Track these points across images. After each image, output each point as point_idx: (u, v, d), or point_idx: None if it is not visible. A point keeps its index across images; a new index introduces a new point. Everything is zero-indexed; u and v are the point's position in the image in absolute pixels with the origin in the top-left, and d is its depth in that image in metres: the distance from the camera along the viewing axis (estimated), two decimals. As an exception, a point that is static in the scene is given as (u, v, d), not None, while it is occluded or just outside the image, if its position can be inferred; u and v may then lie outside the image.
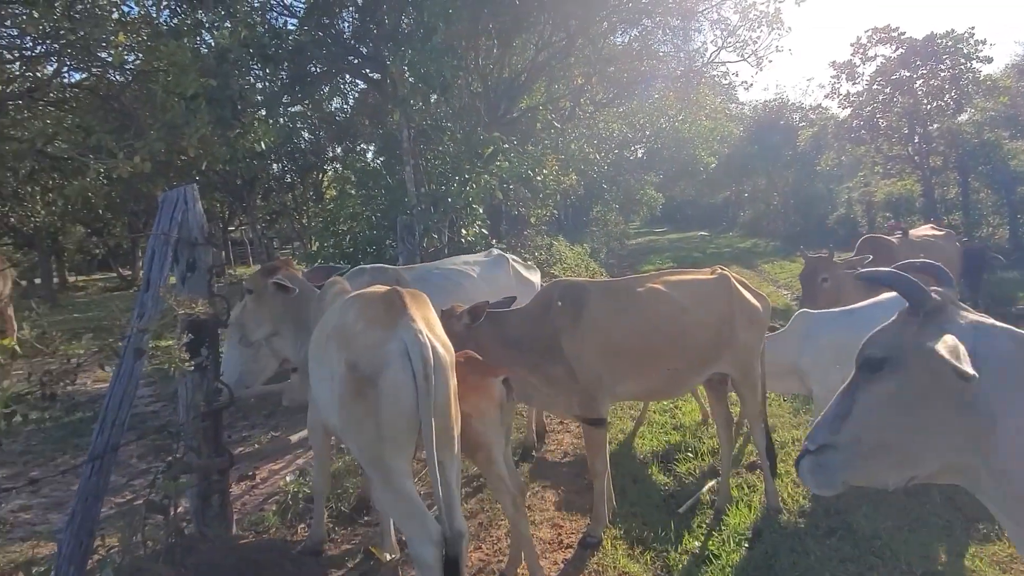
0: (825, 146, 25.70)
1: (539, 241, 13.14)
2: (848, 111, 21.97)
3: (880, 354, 1.78)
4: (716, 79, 21.53)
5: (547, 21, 12.50)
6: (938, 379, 1.63)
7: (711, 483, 4.80)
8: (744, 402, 4.48)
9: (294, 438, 4.76)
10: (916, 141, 19.52)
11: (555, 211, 15.78)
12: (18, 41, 9.36)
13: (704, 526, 4.24)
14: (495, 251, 6.27)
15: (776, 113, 28.93)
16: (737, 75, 29.35)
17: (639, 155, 27.84)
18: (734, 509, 4.35)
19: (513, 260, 6.13)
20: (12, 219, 16.37)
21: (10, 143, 8.85)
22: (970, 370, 1.50)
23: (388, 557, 3.81)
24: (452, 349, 3.08)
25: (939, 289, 1.82)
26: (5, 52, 9.68)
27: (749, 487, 4.73)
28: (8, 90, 10.13)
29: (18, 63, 9.96)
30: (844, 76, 21.25)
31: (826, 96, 27.59)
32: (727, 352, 4.21)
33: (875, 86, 20.33)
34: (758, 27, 16.85)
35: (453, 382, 3.01)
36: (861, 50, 20.47)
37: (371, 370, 2.78)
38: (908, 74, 19.14)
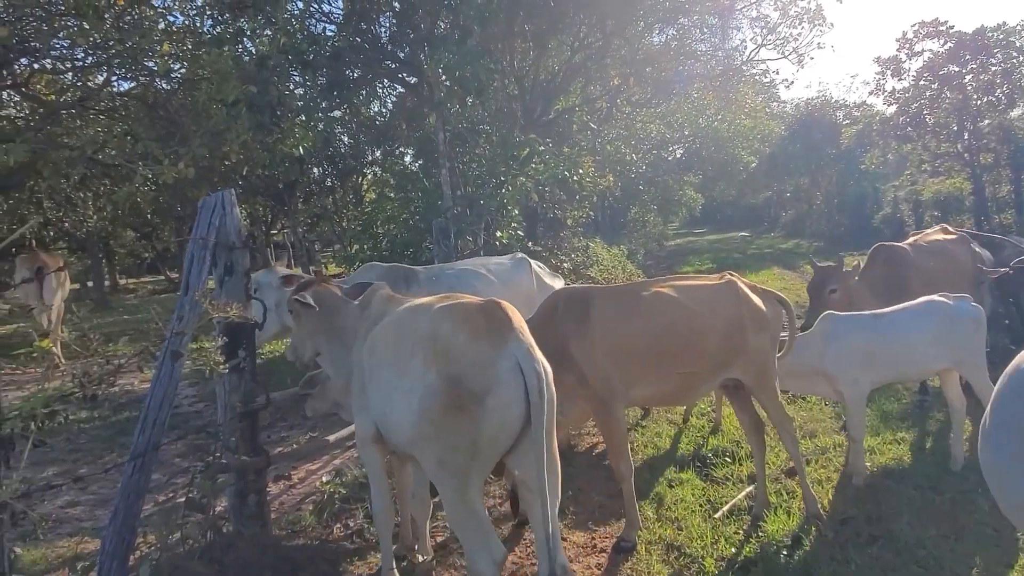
0: (870, 144, 25.09)
1: (576, 243, 13.08)
2: (894, 108, 21.42)
3: None
4: (756, 77, 21.18)
5: (583, 22, 12.45)
6: None
7: (748, 488, 4.72)
8: (765, 408, 4.40)
9: (331, 438, 4.81)
10: (965, 138, 18.94)
11: (592, 213, 15.69)
12: (70, 52, 9.70)
13: (741, 532, 4.16)
14: (519, 254, 6.23)
15: (819, 111, 28.36)
16: (778, 73, 28.77)
17: (677, 155, 27.53)
18: (772, 515, 4.27)
19: (536, 265, 6.07)
20: (66, 224, 16.94)
21: (63, 151, 9.17)
22: None
23: (421, 558, 3.83)
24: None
25: None
26: (58, 63, 10.06)
27: (788, 493, 4.63)
28: (62, 100, 10.51)
29: (70, 74, 10.33)
30: (889, 72, 20.73)
31: (871, 93, 27.04)
32: (739, 358, 4.15)
33: (922, 82, 19.79)
34: (799, 24, 16.58)
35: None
36: (907, 45, 19.95)
37: (479, 386, 2.71)
38: (957, 69, 18.58)
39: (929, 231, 7.14)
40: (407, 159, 16.16)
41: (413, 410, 2.83)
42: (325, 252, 29.08)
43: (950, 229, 7.05)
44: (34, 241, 14.67)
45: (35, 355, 1.95)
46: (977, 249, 6.75)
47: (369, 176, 21.06)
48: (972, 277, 6.30)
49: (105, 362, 2.17)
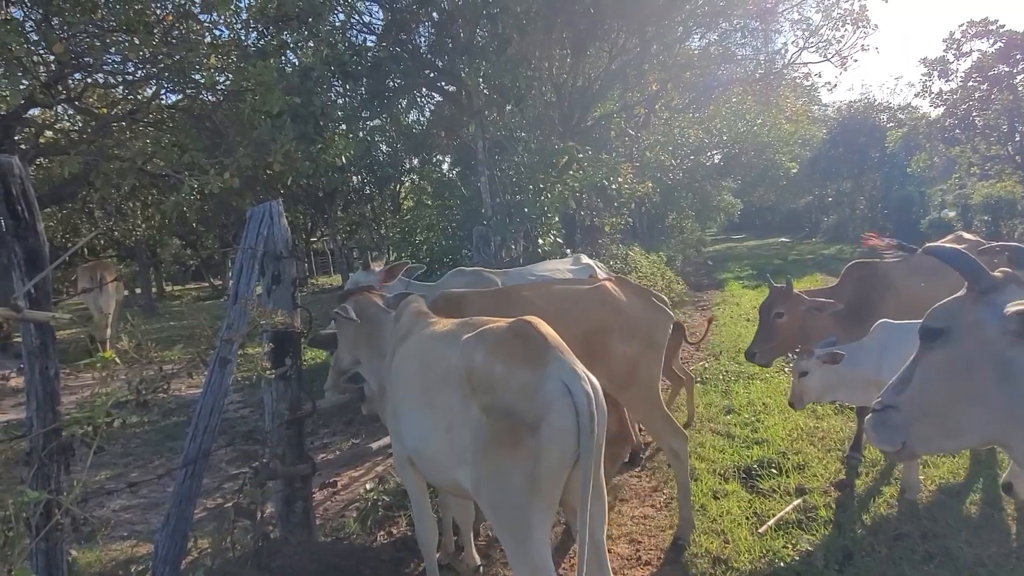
0: (916, 147, 24.52)
1: (614, 250, 13.02)
2: (941, 110, 20.94)
3: (937, 325, 1.92)
4: (797, 81, 20.85)
5: (621, 28, 12.41)
6: (986, 350, 1.77)
7: (796, 501, 4.62)
8: (639, 421, 4.29)
9: (374, 446, 4.85)
10: (1017, 140, 18.39)
11: (630, 219, 15.60)
12: (121, 67, 10.02)
13: (789, 547, 4.07)
14: (583, 258, 6.24)
15: (862, 114, 27.81)
16: (820, 76, 28.34)
17: (716, 161, 27.24)
18: (822, 530, 4.17)
19: (598, 267, 6.09)
20: (116, 233, 17.47)
21: (114, 162, 9.46)
22: None
23: (468, 565, 3.82)
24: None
25: (1006, 269, 1.91)
26: (110, 78, 10.39)
27: (839, 506, 4.52)
28: (113, 113, 10.85)
29: (121, 87, 10.67)
30: (936, 73, 20.29)
31: (916, 95, 26.44)
32: (599, 365, 3.90)
33: (971, 83, 19.30)
34: (842, 26, 16.23)
35: None
36: (955, 45, 19.50)
37: (531, 416, 2.47)
38: (1008, 69, 18.07)
39: (941, 240, 6.47)
40: (444, 167, 16.30)
41: (468, 451, 2.61)
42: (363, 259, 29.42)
43: (965, 236, 6.40)
44: (86, 250, 15.17)
45: (97, 364, 2.00)
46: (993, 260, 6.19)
47: (407, 184, 21.29)
48: None
49: (159, 369, 2.22)
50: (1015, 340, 1.73)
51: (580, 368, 2.61)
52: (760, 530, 4.28)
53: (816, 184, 31.64)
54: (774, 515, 4.45)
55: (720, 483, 5.07)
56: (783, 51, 18.03)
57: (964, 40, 19.24)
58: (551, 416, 2.49)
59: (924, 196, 24.73)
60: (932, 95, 20.84)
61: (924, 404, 1.92)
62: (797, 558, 3.93)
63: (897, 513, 4.32)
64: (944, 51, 19.83)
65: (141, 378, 2.06)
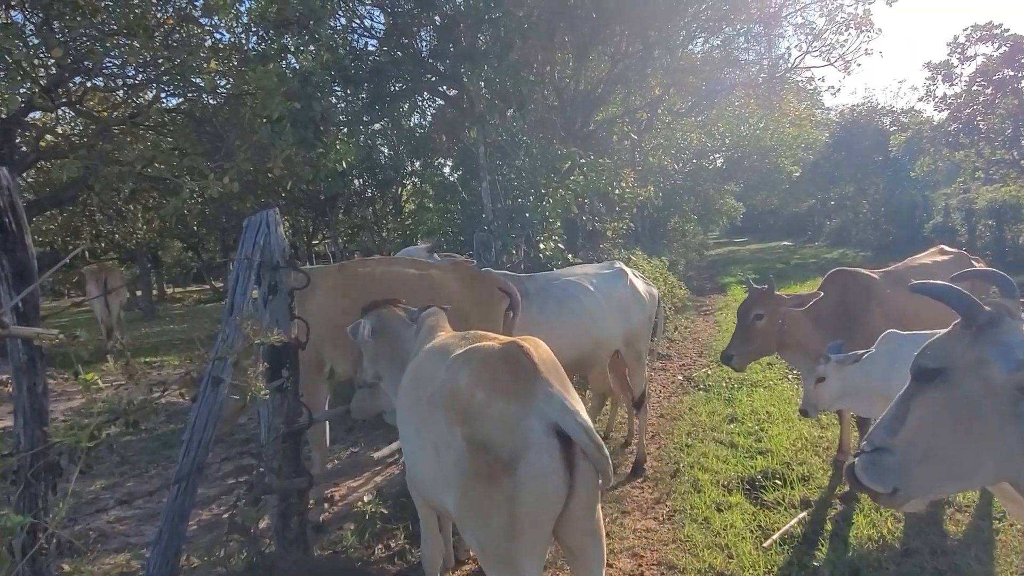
0: (919, 151, 24.44)
1: (616, 254, 12.95)
2: (945, 114, 20.87)
3: (933, 365, 1.81)
4: (800, 85, 20.79)
5: (624, 32, 12.36)
6: (991, 390, 1.69)
7: (801, 514, 4.54)
8: None
9: (374, 456, 4.79)
10: (1022, 144, 18.28)
11: (632, 224, 15.52)
12: (122, 71, 9.98)
13: (795, 562, 3.99)
14: (616, 263, 6.12)
15: (865, 118, 27.72)
16: (823, 80, 28.20)
17: (718, 164, 27.18)
18: (828, 544, 4.09)
19: (632, 274, 5.98)
20: (117, 236, 17.45)
21: (114, 166, 9.42)
22: None
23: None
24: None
25: (997, 301, 1.81)
26: (110, 81, 10.36)
27: (844, 520, 4.44)
28: (113, 116, 10.82)
29: (122, 91, 10.64)
30: (940, 77, 20.25)
31: (920, 99, 26.36)
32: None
33: (975, 87, 19.23)
34: (845, 30, 16.16)
35: None
36: (959, 49, 19.44)
37: (508, 453, 2.28)
38: (1013, 73, 17.99)
39: (921, 255, 6.31)
40: (446, 170, 16.26)
41: (449, 479, 2.46)
42: (365, 262, 29.41)
43: (946, 249, 6.22)
44: (87, 253, 15.15)
45: (81, 385, 1.94)
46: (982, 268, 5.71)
47: (408, 187, 21.26)
48: None
49: (148, 390, 2.16)
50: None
51: (572, 402, 2.39)
52: (764, 544, 4.21)
53: (819, 188, 31.54)
54: (779, 528, 4.38)
55: (723, 495, 4.99)
56: (786, 55, 17.94)
57: (969, 44, 19.19)
58: (530, 455, 2.28)
59: (927, 200, 24.64)
60: (936, 99, 20.81)
61: (926, 447, 1.80)
62: (803, 574, 3.85)
63: (905, 528, 4.24)
64: (948, 55, 19.81)
65: (128, 399, 1.99)
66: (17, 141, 10.63)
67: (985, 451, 1.75)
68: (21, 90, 8.47)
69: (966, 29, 19.32)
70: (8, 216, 2.51)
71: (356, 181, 19.40)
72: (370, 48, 11.27)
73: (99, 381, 1.87)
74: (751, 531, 4.42)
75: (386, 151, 18.62)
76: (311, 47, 9.68)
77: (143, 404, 2.03)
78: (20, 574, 2.39)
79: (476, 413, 2.37)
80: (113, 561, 4.15)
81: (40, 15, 9.03)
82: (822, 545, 4.10)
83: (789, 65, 17.54)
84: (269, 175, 10.25)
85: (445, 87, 11.77)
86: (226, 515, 3.42)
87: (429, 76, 11.42)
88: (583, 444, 2.30)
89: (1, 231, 2.51)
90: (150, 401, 2.09)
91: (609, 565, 4.10)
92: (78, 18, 8.50)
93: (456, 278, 4.72)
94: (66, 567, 2.95)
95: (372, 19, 12.66)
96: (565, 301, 5.33)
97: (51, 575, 2.61)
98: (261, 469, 3.61)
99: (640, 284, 6.00)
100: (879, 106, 28.51)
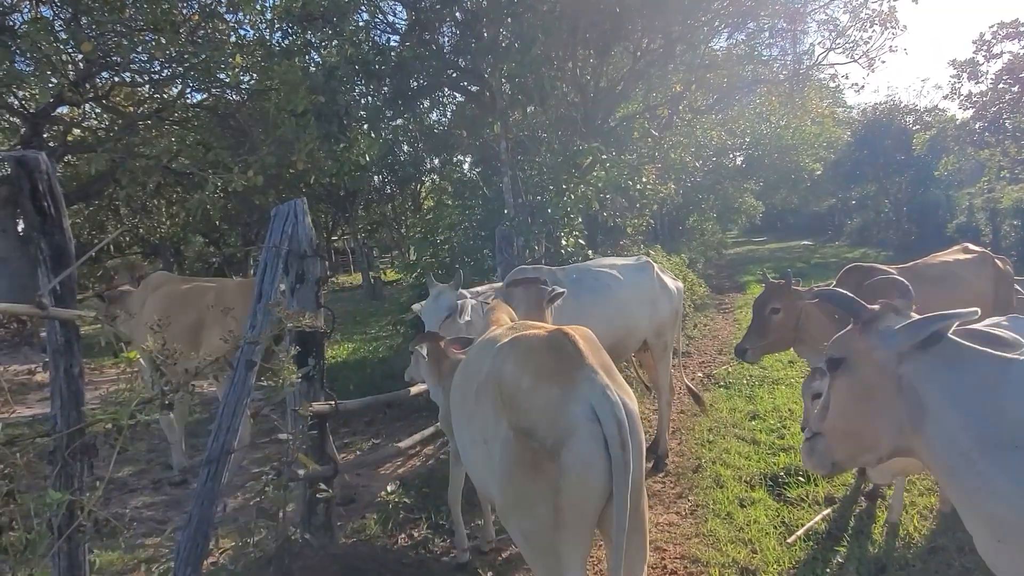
0: (943, 150, 24.05)
1: (635, 251, 12.89)
2: (970, 112, 20.55)
3: (837, 355, 2.17)
4: (823, 82, 20.55)
5: (646, 28, 12.30)
6: (879, 371, 2.01)
7: (826, 511, 4.50)
8: None
9: (401, 445, 4.82)
10: (1050, 143, 17.98)
11: (652, 221, 15.45)
12: (148, 66, 10.11)
13: (819, 559, 3.96)
14: (643, 257, 6.16)
15: (887, 116, 27.33)
16: (847, 77, 27.83)
17: (738, 162, 26.97)
18: (854, 541, 4.05)
19: (658, 268, 6.00)
20: (141, 230, 17.66)
21: (140, 160, 9.54)
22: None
23: (490, 574, 3.77)
24: (631, 393, 2.52)
25: (885, 300, 2.16)
26: (137, 76, 10.49)
27: (869, 516, 4.40)
28: (139, 111, 10.96)
29: (147, 86, 10.77)
30: (966, 75, 19.92)
31: (945, 97, 26.03)
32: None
33: (1001, 85, 18.91)
34: (870, 27, 15.93)
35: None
36: (985, 47, 19.15)
37: (552, 440, 2.26)
38: (1040, 71, 17.67)
39: (943, 252, 6.14)
40: (465, 167, 16.28)
41: (495, 469, 2.43)
42: (384, 258, 29.57)
43: (971, 248, 6.03)
44: (112, 247, 15.34)
45: (122, 363, 1.97)
46: (1005, 268, 5.65)
47: (427, 184, 21.32)
48: (992, 306, 5.32)
49: (184, 371, 2.18)
50: (902, 358, 1.97)
51: (615, 391, 2.36)
52: (789, 540, 4.18)
53: (840, 187, 31.15)
54: (803, 525, 4.35)
55: (746, 491, 4.97)
56: (810, 52, 17.72)
57: (995, 41, 18.91)
58: (573, 442, 2.26)
59: (951, 200, 24.28)
60: (961, 97, 20.52)
61: (842, 427, 2.17)
62: (828, 570, 3.82)
63: (932, 525, 4.19)
64: (974, 52, 19.52)
65: (166, 379, 2.02)
66: (45, 135, 10.80)
67: (882, 426, 2.05)
68: (50, 84, 8.60)
69: (992, 26, 19.06)
70: (47, 200, 2.55)
71: (376, 178, 19.50)
72: (392, 44, 11.32)
73: (140, 360, 1.90)
74: (775, 527, 4.39)
75: (406, 147, 18.69)
76: (334, 42, 9.74)
77: (179, 387, 2.06)
78: (57, 552, 2.44)
79: (521, 400, 2.35)
80: (143, 545, 4.21)
81: (69, 11, 9.17)
82: (847, 542, 4.06)
83: (812, 62, 17.35)
84: (291, 170, 10.33)
85: (466, 83, 11.78)
86: (252, 502, 3.46)
87: (451, 72, 11.44)
88: (610, 436, 2.26)
89: (40, 214, 2.56)
90: (186, 383, 2.12)
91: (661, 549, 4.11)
92: (106, 13, 8.62)
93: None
94: (96, 551, 3.00)
95: (395, 15, 12.73)
96: (599, 290, 5.39)
97: (86, 554, 2.66)
98: (287, 460, 3.65)
99: (666, 278, 6.03)
100: (902, 104, 28.13)
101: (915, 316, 2.09)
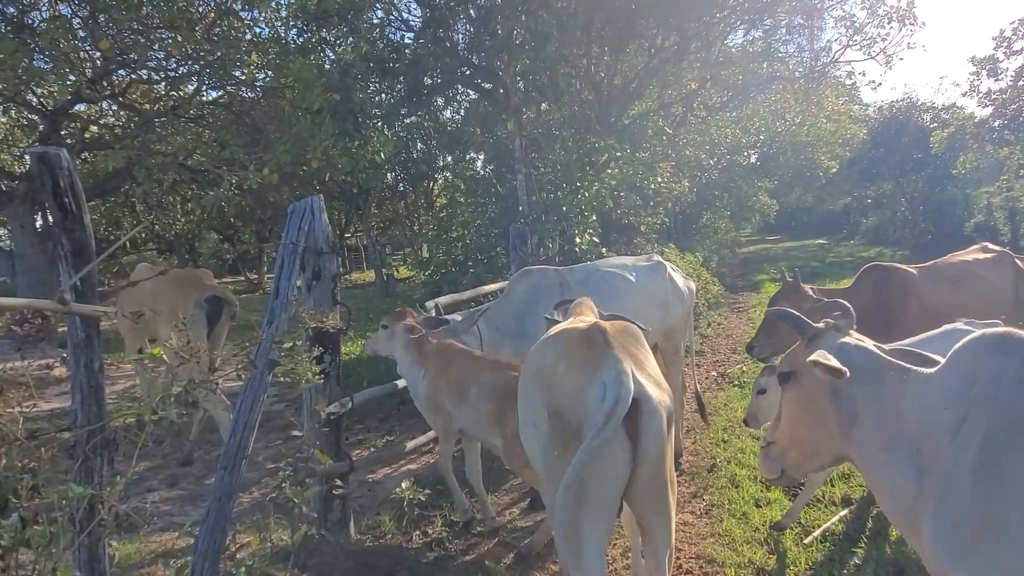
0: (961, 148, 23.77)
1: (649, 249, 12.85)
2: (989, 110, 20.28)
3: (787, 369, 2.40)
4: (839, 79, 20.36)
5: (661, 25, 12.23)
6: (819, 385, 2.20)
7: (842, 512, 4.47)
8: None
9: (410, 444, 4.82)
10: (1071, 141, 17.73)
11: (666, 219, 15.39)
12: (164, 63, 10.17)
13: (836, 559, 3.93)
14: (655, 257, 6.06)
15: (904, 114, 27.06)
16: (864, 74, 27.46)
17: (752, 160, 26.78)
18: (871, 542, 4.02)
19: (671, 268, 5.92)
20: (156, 227, 17.79)
21: (156, 157, 9.60)
22: (839, 367, 2.06)
23: (505, 571, 3.77)
24: (669, 389, 2.68)
25: (830, 319, 2.37)
26: (153, 74, 10.56)
27: (886, 518, 4.35)
28: (155, 108, 11.03)
29: (163, 83, 10.83)
30: (985, 72, 19.64)
31: (963, 94, 25.80)
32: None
33: (1021, 82, 18.65)
34: (888, 23, 15.75)
35: (671, 432, 2.60)
36: (1005, 44, 18.88)
37: (575, 421, 2.45)
38: (1061, 68, 17.42)
39: (962, 251, 6.10)
40: (478, 164, 16.29)
41: (538, 448, 2.67)
42: (396, 255, 29.63)
43: (990, 247, 5.98)
44: (128, 244, 15.46)
45: (146, 360, 1.98)
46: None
47: (440, 181, 21.34)
48: (1012, 304, 5.28)
49: (208, 368, 2.19)
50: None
51: (632, 377, 2.45)
52: (806, 541, 4.15)
53: (855, 185, 30.88)
54: (820, 526, 4.31)
55: (762, 491, 4.93)
56: (827, 48, 17.54)
57: (1015, 38, 18.62)
58: (590, 423, 2.40)
59: (968, 198, 24.03)
60: (980, 95, 20.22)
61: (790, 436, 2.40)
62: (845, 572, 3.80)
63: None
64: (994, 49, 19.23)
65: (190, 379, 2.03)
66: (63, 132, 10.89)
67: (822, 434, 2.27)
68: (69, 81, 8.67)
69: (1012, 23, 18.78)
70: (68, 196, 2.57)
71: (389, 175, 19.54)
72: (407, 41, 11.33)
73: (164, 356, 1.91)
74: (791, 527, 4.36)
75: (419, 145, 18.72)
76: (350, 39, 9.76)
77: (201, 384, 2.06)
78: (78, 546, 2.45)
79: (555, 385, 2.59)
80: (160, 539, 4.24)
81: (87, 8, 9.23)
82: (864, 543, 4.03)
83: (829, 59, 17.16)
84: (305, 167, 10.37)
85: (481, 80, 11.77)
86: (268, 498, 3.47)
87: (465, 69, 11.44)
88: (604, 409, 2.36)
89: (61, 210, 2.57)
90: (208, 380, 2.13)
91: (645, 556, 4.08)
92: (123, 11, 8.67)
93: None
94: (114, 544, 3.02)
95: (409, 12, 12.76)
96: (607, 292, 5.28)
97: (105, 549, 2.68)
98: (303, 456, 3.66)
99: (679, 278, 5.93)
100: (919, 102, 27.83)
101: (852, 335, 2.31)
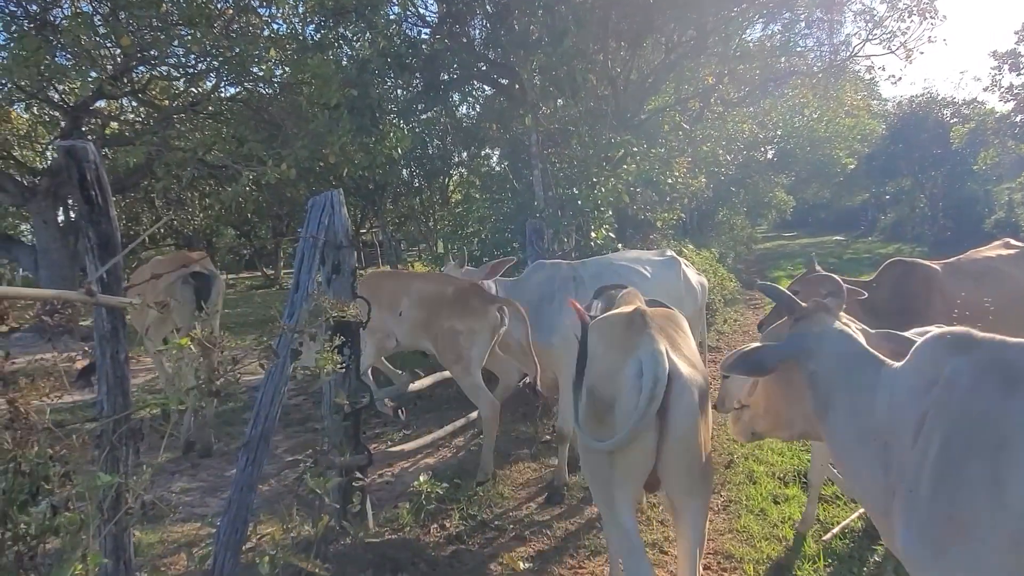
0: (982, 143, 23.47)
1: (665, 245, 12.79)
2: (1011, 104, 20.02)
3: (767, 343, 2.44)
4: (858, 74, 20.13)
5: (678, 20, 12.16)
6: (797, 365, 2.26)
7: (862, 509, 4.43)
8: None
9: (428, 439, 4.85)
10: (1094, 136, 17.46)
11: (682, 215, 15.32)
12: (183, 60, 10.26)
13: (855, 556, 3.91)
14: (668, 252, 6.04)
15: (924, 109, 26.78)
16: (884, 69, 27.02)
17: (769, 156, 26.58)
18: (891, 540, 3.98)
19: (684, 264, 5.90)
20: (175, 222, 17.97)
21: (175, 153, 9.69)
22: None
23: (523, 566, 3.78)
24: (704, 371, 2.81)
25: (817, 299, 2.36)
26: (172, 70, 10.65)
27: (906, 517, 4.32)
28: (174, 105, 11.13)
29: (182, 80, 10.93)
30: (1007, 67, 19.38)
31: (984, 89, 25.40)
32: None
33: (1044, 76, 18.38)
34: (908, 16, 15.54)
35: (708, 408, 2.74)
36: (1029, 37, 18.57)
37: (609, 397, 2.61)
38: (1086, 62, 17.13)
39: (985, 247, 5.90)
40: (493, 160, 16.27)
41: (581, 422, 2.81)
42: (411, 251, 29.72)
43: (1013, 243, 5.80)
44: (147, 239, 15.62)
45: (173, 351, 2.01)
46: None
47: (455, 177, 21.35)
48: None
49: (232, 358, 2.21)
50: (812, 356, 2.21)
51: (666, 356, 2.58)
52: (825, 538, 4.13)
53: (874, 181, 30.63)
54: (838, 523, 4.29)
55: (780, 487, 4.92)
56: (846, 42, 17.34)
57: (1038, 32, 18.38)
58: (622, 397, 2.56)
59: (989, 195, 23.73)
60: (1002, 89, 19.99)
61: (764, 405, 2.51)
62: (865, 569, 3.77)
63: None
64: (1016, 43, 18.98)
65: (214, 367, 2.05)
66: (84, 128, 11.02)
67: (795, 410, 2.36)
68: (90, 78, 8.77)
69: (1036, 16, 18.53)
70: (94, 189, 2.60)
71: (404, 171, 19.57)
72: (423, 37, 11.34)
73: (191, 346, 1.93)
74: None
75: (435, 141, 18.72)
76: (367, 35, 9.78)
77: (225, 374, 2.09)
78: (105, 534, 2.49)
79: (594, 364, 2.77)
80: (181, 530, 4.30)
81: (108, 6, 9.33)
82: (883, 541, 3.99)
83: (849, 53, 16.96)
84: (321, 163, 10.41)
85: (497, 75, 11.76)
86: (290, 490, 3.50)
87: (481, 65, 11.43)
88: (645, 388, 2.49)
89: (87, 203, 2.60)
90: (232, 371, 2.15)
91: (663, 552, 4.08)
92: (143, 8, 8.75)
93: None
94: (137, 534, 3.06)
95: (426, 7, 12.73)
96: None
97: (130, 538, 2.72)
98: (323, 448, 3.69)
99: (692, 274, 5.90)
100: (940, 97, 27.51)
101: (840, 317, 2.32)
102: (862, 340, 2.22)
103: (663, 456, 2.56)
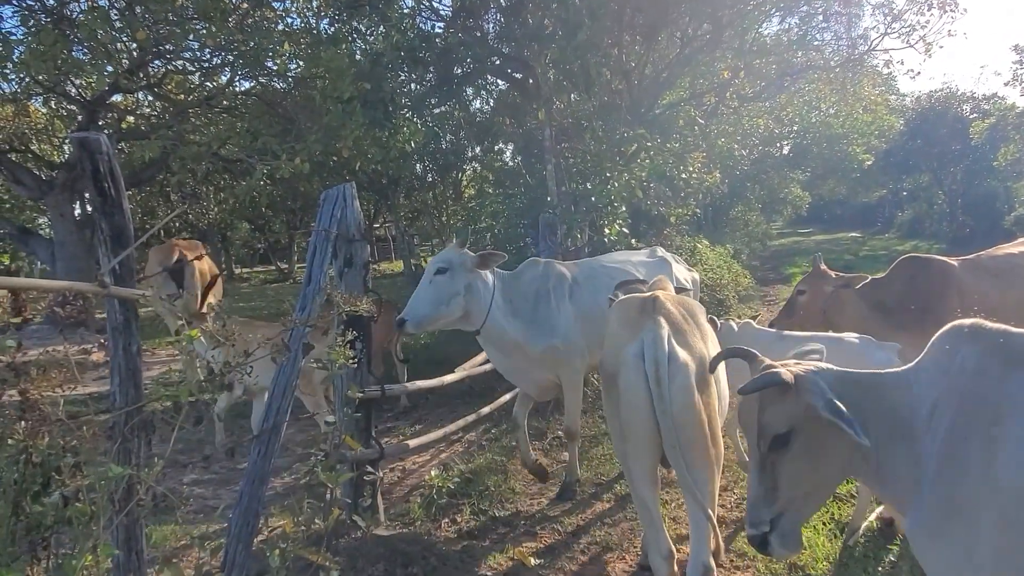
0: (1003, 139, 23.12)
1: (679, 241, 12.70)
2: (1034, 99, 19.68)
3: (783, 429, 2.13)
4: (876, 68, 19.87)
5: (694, 13, 12.05)
6: (823, 425, 2.08)
7: (879, 508, 4.38)
8: None
9: (439, 432, 4.84)
10: (1119, 132, 17.14)
11: (697, 211, 15.22)
12: (198, 54, 10.30)
13: (871, 556, 3.86)
14: (658, 250, 6.03)
15: (943, 104, 26.41)
16: (903, 63, 26.69)
17: (785, 151, 26.34)
18: (906, 539, 3.93)
19: (675, 261, 5.87)
20: (190, 216, 18.08)
21: (190, 147, 9.73)
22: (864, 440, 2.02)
23: (533, 562, 3.77)
24: (704, 355, 2.94)
25: (802, 361, 2.30)
26: (187, 64, 10.70)
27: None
28: (190, 99, 11.18)
29: (198, 74, 10.98)
30: (1030, 61, 19.06)
31: (1005, 84, 25.04)
32: None
33: (1067, 71, 18.06)
34: (927, 10, 15.30)
35: (710, 390, 2.92)
36: (1052, 31, 18.23)
37: (612, 369, 2.93)
38: (1110, 56, 16.82)
39: (1007, 244, 5.78)
40: (506, 155, 16.23)
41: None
42: (424, 245, 29.76)
43: None
44: (162, 232, 15.74)
45: (184, 343, 2.00)
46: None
47: (468, 172, 21.32)
48: None
49: (244, 352, 2.21)
50: (829, 407, 2.05)
51: (667, 341, 2.80)
52: (847, 540, 4.07)
53: (891, 177, 30.26)
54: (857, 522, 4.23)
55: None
56: (864, 36, 17.10)
57: (1061, 25, 18.09)
58: (623, 371, 2.85)
59: (1009, 191, 23.41)
60: (1023, 84, 19.66)
61: (805, 491, 2.19)
62: (880, 569, 3.73)
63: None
64: (1039, 37, 18.71)
65: (225, 360, 2.04)
66: (100, 123, 11.10)
67: (838, 466, 2.20)
68: (106, 72, 8.82)
69: (1060, 9, 18.21)
70: (107, 181, 2.59)
71: (417, 166, 19.57)
72: (437, 30, 11.31)
73: (202, 339, 1.92)
74: (824, 523, 4.30)
75: (448, 136, 18.69)
76: (380, 29, 9.78)
77: (237, 366, 2.08)
78: (116, 526, 2.49)
79: (609, 343, 3.09)
80: (193, 522, 4.32)
81: (124, 0, 9.38)
82: (899, 540, 3.95)
83: (867, 47, 16.73)
84: (335, 157, 10.42)
85: (511, 69, 11.72)
86: (302, 482, 3.50)
87: (495, 59, 11.39)
88: (648, 372, 2.75)
89: (100, 195, 2.60)
90: (243, 363, 2.14)
91: (677, 550, 4.05)
92: (159, 2, 8.79)
93: None
94: (149, 526, 3.06)
95: (440, 1, 12.70)
96: (611, 287, 5.24)
97: (142, 530, 2.73)
98: (335, 442, 3.68)
99: (682, 270, 5.88)
100: (959, 92, 27.12)
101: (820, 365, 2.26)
102: (828, 376, 2.17)
103: (661, 431, 2.76)
